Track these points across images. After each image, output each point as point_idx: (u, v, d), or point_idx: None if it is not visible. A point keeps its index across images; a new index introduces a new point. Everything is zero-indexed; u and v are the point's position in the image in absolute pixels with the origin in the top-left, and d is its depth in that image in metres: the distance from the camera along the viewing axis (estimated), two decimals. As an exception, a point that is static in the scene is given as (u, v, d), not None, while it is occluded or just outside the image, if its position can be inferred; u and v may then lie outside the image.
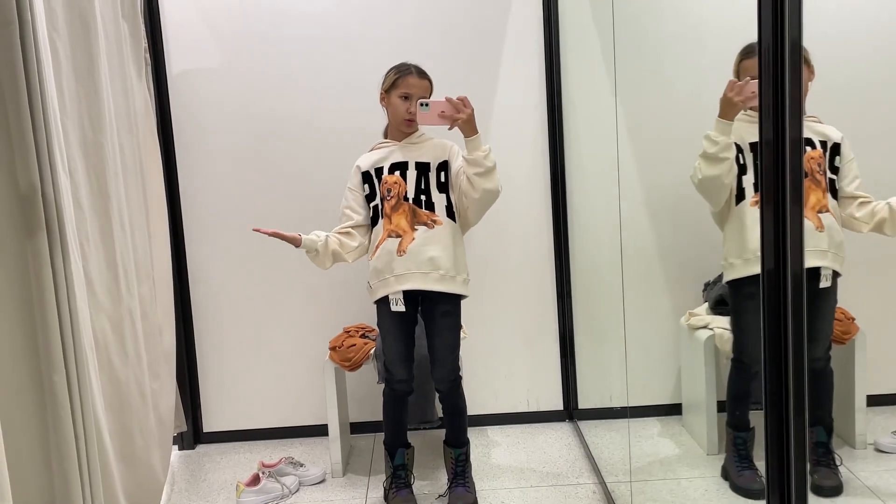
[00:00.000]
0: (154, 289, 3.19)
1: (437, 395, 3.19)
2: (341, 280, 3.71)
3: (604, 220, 3.38)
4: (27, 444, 2.07)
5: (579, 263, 3.80)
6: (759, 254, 1.44)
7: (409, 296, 2.93)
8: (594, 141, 3.59)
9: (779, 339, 1.45)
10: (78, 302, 2.24)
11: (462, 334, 3.12)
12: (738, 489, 2.91)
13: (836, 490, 2.88)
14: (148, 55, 3.40)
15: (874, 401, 3.25)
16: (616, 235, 3.06)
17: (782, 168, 1.35)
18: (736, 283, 2.83)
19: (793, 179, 1.37)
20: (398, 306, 2.91)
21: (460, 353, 3.08)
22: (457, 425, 3.12)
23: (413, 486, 3.11)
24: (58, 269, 2.14)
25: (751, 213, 2.67)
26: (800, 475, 1.44)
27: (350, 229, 3.00)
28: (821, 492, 2.84)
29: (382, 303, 2.97)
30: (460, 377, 3.07)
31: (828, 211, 2.68)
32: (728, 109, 2.56)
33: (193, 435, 3.77)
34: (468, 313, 3.26)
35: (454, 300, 2.99)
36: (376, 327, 3.42)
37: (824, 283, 2.69)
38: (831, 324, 2.91)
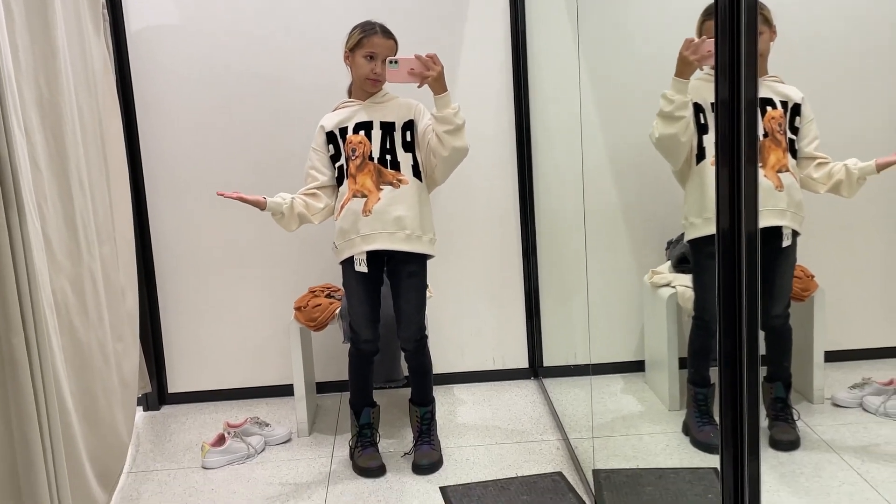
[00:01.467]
0: (116, 250, 3.16)
1: (402, 354, 3.20)
2: (306, 240, 3.69)
3: (568, 178, 3.38)
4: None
5: (545, 222, 3.82)
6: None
7: (375, 256, 2.93)
8: (559, 99, 3.58)
9: (734, 297, 1.47)
10: (36, 262, 2.21)
11: (428, 294, 3.13)
12: (698, 444, 2.96)
13: (793, 444, 2.94)
14: (106, 11, 3.33)
15: (832, 357, 3.32)
16: (579, 194, 3.07)
17: (738, 128, 1.36)
18: (697, 242, 2.85)
19: (748, 139, 1.38)
20: (362, 267, 2.91)
21: (426, 312, 3.09)
22: (422, 384, 3.14)
23: (379, 445, 3.13)
24: (14, 230, 2.11)
25: (710, 173, 2.68)
26: (753, 430, 1.47)
27: (316, 190, 2.98)
28: (778, 446, 2.91)
29: (348, 263, 2.96)
30: (426, 337, 3.09)
31: (788, 171, 2.71)
32: (684, 68, 2.56)
33: (158, 396, 3.76)
34: (434, 272, 3.26)
35: (420, 260, 2.99)
36: (342, 287, 3.42)
37: (786, 242, 2.72)
38: (790, 282, 2.95)
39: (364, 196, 2.89)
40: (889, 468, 2.81)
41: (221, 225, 3.71)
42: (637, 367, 3.64)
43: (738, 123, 1.35)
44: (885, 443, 2.97)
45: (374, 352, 3.06)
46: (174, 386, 3.82)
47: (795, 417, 3.02)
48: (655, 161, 2.93)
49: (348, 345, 3.14)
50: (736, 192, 1.40)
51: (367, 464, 3.03)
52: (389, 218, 2.88)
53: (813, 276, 3.22)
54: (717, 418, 2.94)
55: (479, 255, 3.83)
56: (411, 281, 2.98)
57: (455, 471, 3.03)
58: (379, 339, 3.04)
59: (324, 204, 2.98)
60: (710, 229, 2.70)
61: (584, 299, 2.95)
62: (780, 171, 2.69)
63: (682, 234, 3.23)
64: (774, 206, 2.67)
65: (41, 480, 2.13)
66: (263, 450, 3.26)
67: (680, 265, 3.28)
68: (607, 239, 3.50)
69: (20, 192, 2.15)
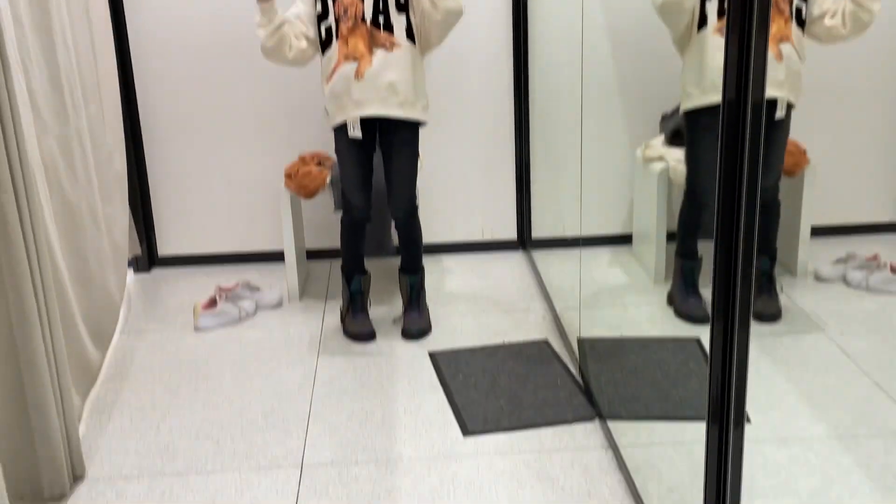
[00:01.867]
0: (102, 110, 3.11)
1: (393, 224, 3.21)
2: (296, 106, 3.64)
3: (565, 48, 3.31)
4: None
5: (539, 94, 3.76)
6: (717, 83, 1.43)
7: (368, 122, 2.89)
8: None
9: (734, 170, 1.46)
10: (23, 119, 2.18)
11: (419, 163, 3.11)
12: (682, 315, 3.02)
13: (775, 316, 3.01)
14: None
15: (818, 232, 3.36)
16: (576, 65, 3.01)
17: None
18: (692, 114, 2.83)
19: (760, 7, 1.34)
20: (355, 132, 2.87)
21: (417, 182, 3.08)
22: (412, 253, 3.16)
23: (369, 311, 3.18)
24: (-1, 86, 2.06)
25: (712, 41, 2.64)
26: (744, 303, 1.48)
27: (303, 35, 2.89)
28: (761, 318, 2.97)
29: (340, 129, 2.92)
30: (417, 207, 3.09)
31: (789, 41, 2.66)
32: None
33: (148, 259, 3.78)
34: (425, 142, 3.23)
35: (413, 128, 2.96)
36: (333, 155, 3.39)
37: (780, 114, 2.70)
38: (782, 155, 2.95)
39: (356, 60, 2.83)
40: (867, 340, 2.89)
41: (209, 89, 3.64)
42: (625, 240, 3.68)
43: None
44: (866, 316, 3.04)
45: (365, 219, 3.06)
46: (164, 249, 3.83)
47: (779, 290, 3.07)
48: (655, 30, 2.87)
49: (339, 213, 3.14)
50: (745, 63, 1.37)
51: (358, 329, 3.08)
52: (382, 83, 2.83)
53: (805, 152, 3.21)
54: (701, 291, 3.00)
55: (471, 126, 3.79)
56: (404, 149, 2.96)
57: (443, 338, 3.09)
58: (370, 207, 3.04)
59: (305, 46, 2.87)
60: (708, 99, 2.68)
61: (576, 172, 2.94)
62: (781, 41, 2.64)
63: (678, 107, 3.20)
64: (773, 78, 2.64)
65: (36, 337, 2.15)
66: (255, 313, 3.30)
67: (674, 139, 3.26)
68: (602, 112, 3.47)
69: (3, 48, 2.09)
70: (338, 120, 2.90)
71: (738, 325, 1.50)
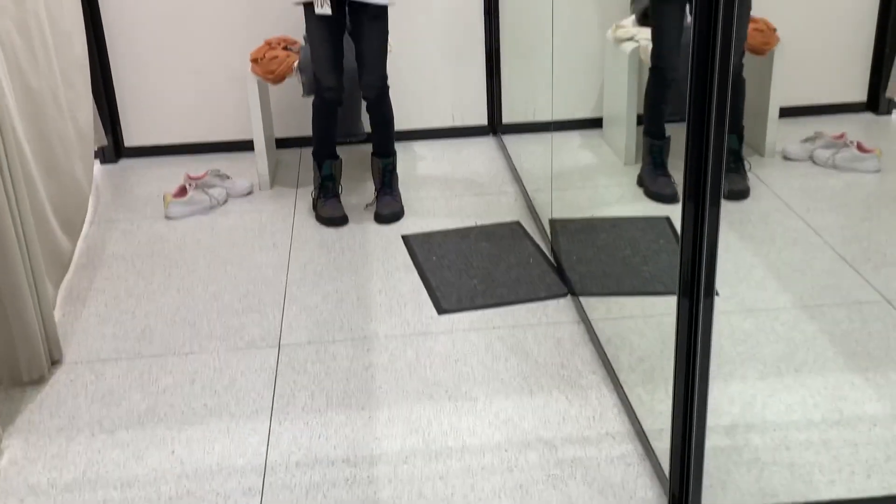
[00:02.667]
0: (59, -7, 3.00)
1: (363, 107, 3.17)
2: (260, -10, 3.54)
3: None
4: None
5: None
6: None
7: (337, 2, 2.83)
8: None
9: (707, 46, 1.45)
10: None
11: (388, 47, 3.06)
12: (651, 194, 3.05)
13: (743, 193, 3.05)
14: None
15: (786, 112, 3.38)
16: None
17: None
18: None
19: None
20: (324, 9, 2.81)
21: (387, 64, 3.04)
22: (384, 135, 3.14)
23: (341, 196, 3.17)
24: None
25: None
26: (715, 182, 1.50)
27: None
28: (729, 195, 3.01)
29: (309, 8, 2.86)
30: (388, 86, 3.06)
31: None
32: None
33: (114, 149, 3.72)
34: (395, 27, 3.17)
35: (381, 7, 2.91)
36: (300, 39, 3.32)
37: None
38: (745, 29, 2.93)
39: None
40: (832, 215, 2.95)
41: (169, -29, 3.53)
42: (595, 124, 3.67)
43: None
44: (832, 193, 3.09)
45: (337, 101, 3.02)
46: (130, 140, 3.77)
47: (747, 168, 3.11)
48: None
49: (308, 99, 3.10)
50: None
51: (330, 214, 3.08)
52: None
53: (775, 30, 3.20)
54: (671, 171, 3.03)
55: (440, 10, 3.72)
56: (373, 24, 2.92)
57: (416, 221, 3.10)
58: (342, 88, 3.00)
59: None
60: None
61: (546, 56, 2.92)
62: None
63: (649, -14, 3.16)
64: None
65: (6, 224, 2.13)
66: (226, 202, 3.29)
67: (644, 19, 3.23)
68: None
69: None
70: None
71: (710, 203, 1.51)
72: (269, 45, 3.35)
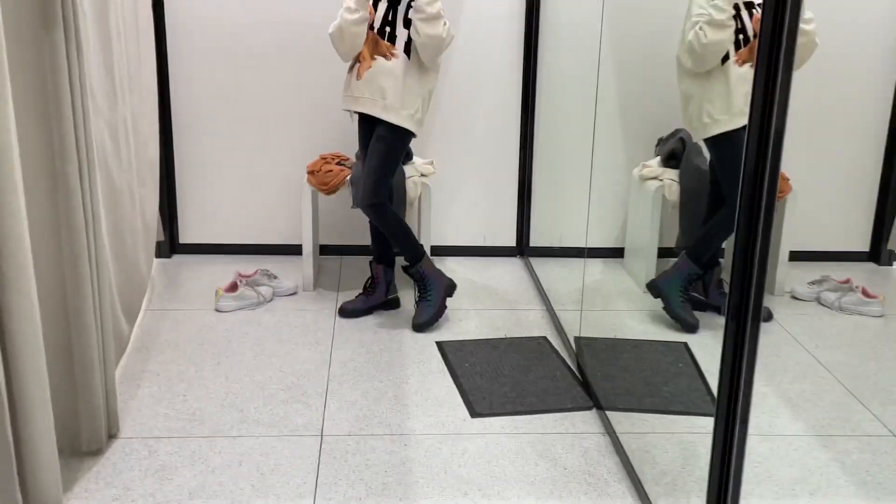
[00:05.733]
0: (142, 100, 3.30)
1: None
2: (317, 109, 3.85)
3: (576, 72, 3.56)
4: (42, 222, 2.23)
5: (544, 117, 4.01)
6: (745, 110, 1.63)
7: (367, 118, 3.20)
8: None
9: (756, 183, 1.65)
10: (89, 97, 2.35)
11: (430, 168, 3.34)
12: (678, 318, 3.18)
13: (765, 318, 3.22)
14: None
15: (795, 256, 3.61)
16: (591, 91, 3.24)
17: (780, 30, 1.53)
18: (724, 136, 3.00)
19: (788, 42, 1.54)
20: (353, 121, 3.26)
21: (430, 185, 3.30)
22: (389, 244, 3.40)
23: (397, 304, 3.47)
24: (73, 63, 2.22)
25: (735, 71, 2.87)
26: (756, 308, 1.69)
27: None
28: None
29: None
30: (381, 204, 3.22)
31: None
32: None
33: (170, 245, 3.96)
34: (436, 150, 3.43)
35: (394, 129, 3.17)
36: (351, 156, 3.61)
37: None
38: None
39: (358, 62, 3.15)
40: (839, 353, 3.13)
41: (238, 89, 3.84)
42: (617, 253, 3.92)
43: (781, 25, 1.53)
44: (838, 332, 3.29)
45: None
46: (185, 237, 4.01)
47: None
48: (656, 63, 3.11)
49: (353, 211, 3.36)
50: (771, 91, 1.57)
51: (344, 305, 3.40)
52: (375, 86, 3.13)
53: (788, 179, 3.47)
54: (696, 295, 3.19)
55: (480, 140, 4.02)
56: (377, 144, 3.20)
57: (450, 328, 3.31)
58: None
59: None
60: (736, 123, 2.87)
61: (582, 189, 3.18)
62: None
63: (675, 132, 3.46)
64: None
65: (88, 307, 2.31)
66: (272, 300, 3.50)
67: (669, 161, 3.52)
68: (605, 133, 3.71)
69: (79, 27, 2.25)
70: (345, 105, 3.24)
71: (750, 331, 1.71)
72: (324, 159, 3.63)
